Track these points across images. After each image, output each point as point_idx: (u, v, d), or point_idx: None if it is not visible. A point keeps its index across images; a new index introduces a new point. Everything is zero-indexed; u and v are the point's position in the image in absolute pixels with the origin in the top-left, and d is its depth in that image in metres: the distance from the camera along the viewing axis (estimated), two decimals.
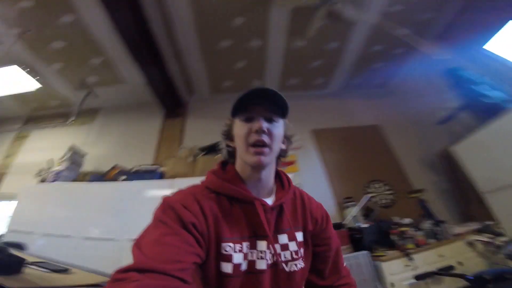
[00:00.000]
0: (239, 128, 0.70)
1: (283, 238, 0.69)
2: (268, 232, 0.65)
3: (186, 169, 2.86)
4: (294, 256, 0.69)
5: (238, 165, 0.73)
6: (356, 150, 3.69)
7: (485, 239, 2.32)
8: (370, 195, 3.08)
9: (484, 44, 2.80)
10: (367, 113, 4.09)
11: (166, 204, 0.61)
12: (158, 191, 2.60)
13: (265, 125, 0.67)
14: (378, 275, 2.22)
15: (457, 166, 2.87)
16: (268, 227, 0.66)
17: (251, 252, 0.65)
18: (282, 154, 0.77)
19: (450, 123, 3.05)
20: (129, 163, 3.13)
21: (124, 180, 2.77)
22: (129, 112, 4.04)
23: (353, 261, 2.23)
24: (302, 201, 0.79)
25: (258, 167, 0.69)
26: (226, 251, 0.61)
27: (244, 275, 0.63)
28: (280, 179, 0.79)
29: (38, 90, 3.36)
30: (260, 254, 0.65)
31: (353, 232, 2.56)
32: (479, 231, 2.45)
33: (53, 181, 2.78)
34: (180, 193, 0.66)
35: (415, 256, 2.26)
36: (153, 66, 3.13)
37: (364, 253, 2.29)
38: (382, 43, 3.40)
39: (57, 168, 2.91)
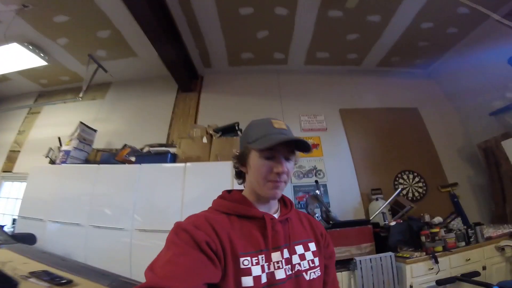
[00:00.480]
0: (259, 163, 0.74)
1: (299, 249, 0.76)
2: (270, 244, 0.70)
3: (199, 152, 2.79)
4: (311, 265, 0.75)
5: (247, 189, 0.80)
6: (389, 135, 3.54)
7: None
8: (401, 188, 3.01)
9: None
10: (405, 94, 3.83)
11: (178, 227, 0.64)
12: (170, 176, 2.57)
13: (285, 165, 0.73)
14: (399, 277, 2.22)
15: (503, 161, 2.73)
16: (271, 239, 0.71)
17: (268, 265, 0.68)
18: None
19: (505, 115, 2.83)
20: (142, 140, 3.17)
21: (134, 163, 2.76)
22: (141, 86, 3.97)
23: (375, 262, 2.22)
24: (306, 217, 0.89)
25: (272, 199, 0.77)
26: (244, 265, 0.64)
27: None
28: (283, 199, 0.86)
29: (46, 66, 3.32)
30: (277, 265, 0.69)
31: (379, 229, 2.55)
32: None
33: (63, 162, 2.84)
34: (191, 217, 0.70)
35: (441, 259, 2.23)
36: (165, 36, 2.93)
37: (388, 255, 2.26)
38: (434, 20, 3.06)
39: (66, 147, 2.95)
